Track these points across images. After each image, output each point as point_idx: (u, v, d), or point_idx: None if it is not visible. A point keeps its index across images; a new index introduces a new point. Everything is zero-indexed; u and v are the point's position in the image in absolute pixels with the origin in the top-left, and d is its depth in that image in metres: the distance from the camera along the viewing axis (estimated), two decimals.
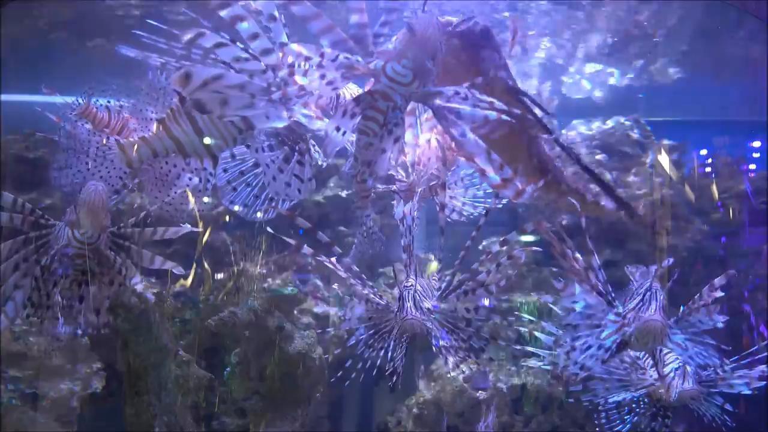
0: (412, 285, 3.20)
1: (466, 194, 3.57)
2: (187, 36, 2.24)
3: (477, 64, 2.69)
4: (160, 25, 2.60)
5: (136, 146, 2.93)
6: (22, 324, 4.38)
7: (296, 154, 2.82)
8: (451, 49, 2.54)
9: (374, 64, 2.26)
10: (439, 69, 2.28)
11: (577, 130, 6.68)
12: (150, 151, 2.90)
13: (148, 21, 2.64)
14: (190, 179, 2.96)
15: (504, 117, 2.26)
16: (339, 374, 3.40)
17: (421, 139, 3.56)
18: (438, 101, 2.32)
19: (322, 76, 2.22)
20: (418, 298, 3.14)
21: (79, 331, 3.45)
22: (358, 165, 2.46)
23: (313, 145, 2.96)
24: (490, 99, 2.29)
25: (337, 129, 2.30)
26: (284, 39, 2.29)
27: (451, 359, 3.23)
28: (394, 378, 3.23)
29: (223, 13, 2.19)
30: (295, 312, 5.43)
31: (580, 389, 3.87)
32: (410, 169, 3.38)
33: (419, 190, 3.20)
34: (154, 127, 2.90)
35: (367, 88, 2.38)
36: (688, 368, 3.67)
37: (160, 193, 2.97)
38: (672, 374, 3.65)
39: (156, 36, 2.61)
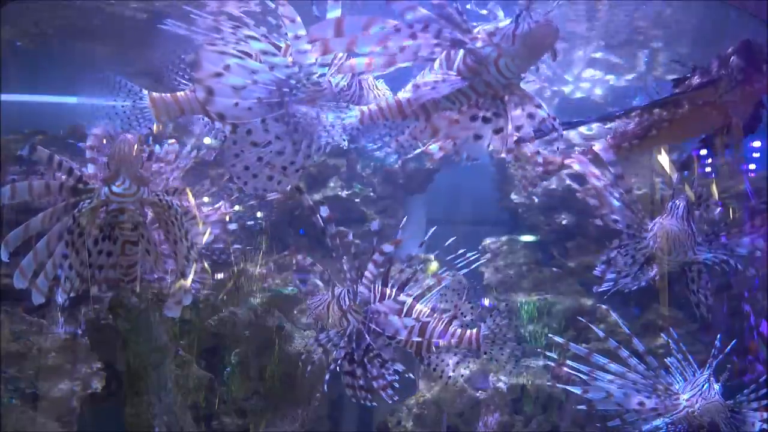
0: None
1: None
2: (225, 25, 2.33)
3: None
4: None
5: (166, 103, 3.15)
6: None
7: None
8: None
9: (488, 52, 2.28)
10: None
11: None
12: (178, 109, 3.14)
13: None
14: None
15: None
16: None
17: None
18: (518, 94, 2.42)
19: (418, 47, 2.24)
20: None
21: (79, 331, 3.42)
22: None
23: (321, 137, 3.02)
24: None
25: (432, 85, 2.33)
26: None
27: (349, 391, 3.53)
28: None
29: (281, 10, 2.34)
30: (295, 312, 5.43)
31: (618, 424, 3.88)
32: None
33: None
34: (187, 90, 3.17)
35: (461, 62, 2.38)
36: (716, 386, 3.72)
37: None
38: (698, 391, 3.71)
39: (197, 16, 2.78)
